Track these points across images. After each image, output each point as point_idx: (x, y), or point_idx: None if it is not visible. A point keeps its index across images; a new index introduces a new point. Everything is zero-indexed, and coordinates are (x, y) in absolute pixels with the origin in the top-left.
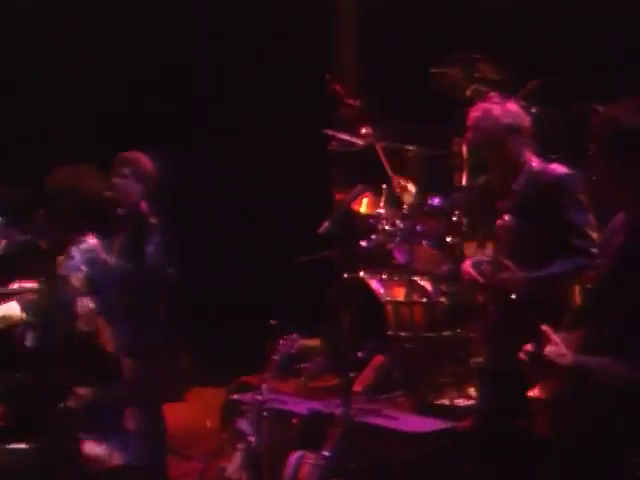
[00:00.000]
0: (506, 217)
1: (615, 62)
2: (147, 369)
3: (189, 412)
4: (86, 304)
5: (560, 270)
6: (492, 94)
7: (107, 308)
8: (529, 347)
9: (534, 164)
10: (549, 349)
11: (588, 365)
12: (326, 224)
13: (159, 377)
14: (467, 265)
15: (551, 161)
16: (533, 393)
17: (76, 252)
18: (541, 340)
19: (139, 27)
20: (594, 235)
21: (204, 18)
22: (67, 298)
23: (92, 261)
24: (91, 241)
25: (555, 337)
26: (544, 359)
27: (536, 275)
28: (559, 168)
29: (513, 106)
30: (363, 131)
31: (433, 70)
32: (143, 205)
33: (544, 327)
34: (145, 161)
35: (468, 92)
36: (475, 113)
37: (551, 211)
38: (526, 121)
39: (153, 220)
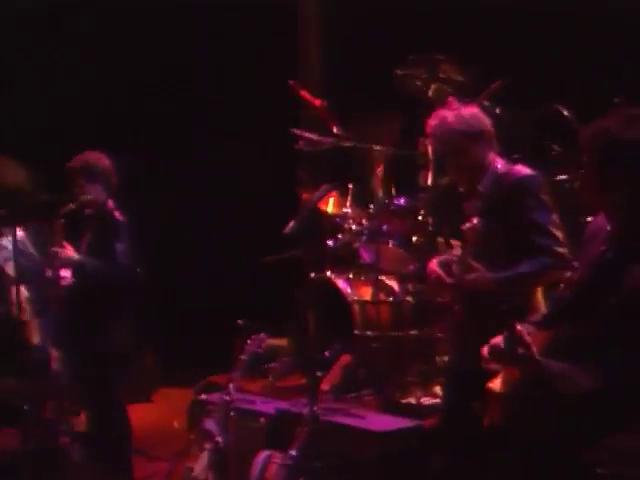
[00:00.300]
0: (474, 220)
1: (580, 63)
2: (114, 369)
3: (156, 412)
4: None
5: (528, 270)
6: (451, 99)
7: (36, 299)
8: (497, 342)
9: (499, 166)
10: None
11: (551, 368)
12: (292, 224)
13: (125, 377)
14: (433, 264)
15: (515, 162)
16: (493, 385)
17: (7, 243)
18: (514, 338)
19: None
20: (559, 234)
21: (171, 20)
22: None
23: (20, 252)
24: (19, 233)
25: (528, 338)
26: (521, 339)
27: (504, 275)
28: (523, 169)
29: (470, 111)
30: (330, 131)
31: (397, 71)
32: (109, 203)
33: (519, 327)
34: (95, 159)
35: (431, 93)
36: (432, 121)
37: (516, 212)
38: (487, 124)
39: (121, 218)
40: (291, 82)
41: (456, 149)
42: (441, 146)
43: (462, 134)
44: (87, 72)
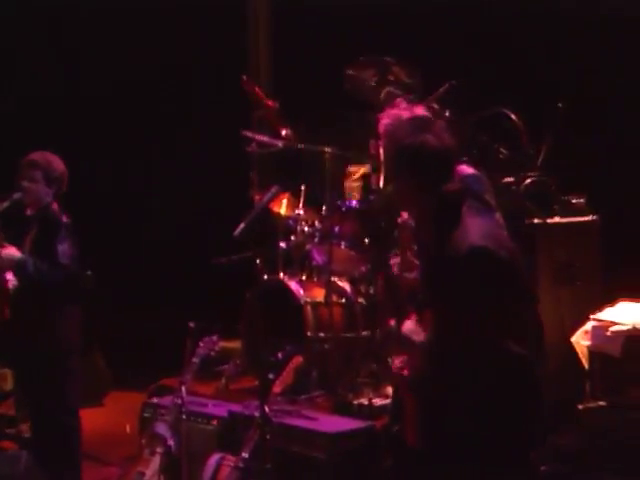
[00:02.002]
0: (404, 215)
1: (526, 65)
2: (61, 372)
3: (107, 416)
4: None
5: None
6: (400, 100)
7: None
8: (391, 322)
9: None
10: (407, 325)
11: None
12: (241, 225)
13: (74, 380)
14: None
15: (460, 163)
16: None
17: None
18: (404, 310)
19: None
20: (504, 234)
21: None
22: None
23: None
24: None
25: (414, 317)
26: (402, 334)
27: None
28: (466, 169)
29: (421, 111)
30: (282, 133)
31: (347, 72)
32: (55, 206)
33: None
34: (56, 162)
35: (382, 95)
36: (385, 120)
37: None
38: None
39: (65, 220)
40: (244, 77)
41: None
42: (392, 145)
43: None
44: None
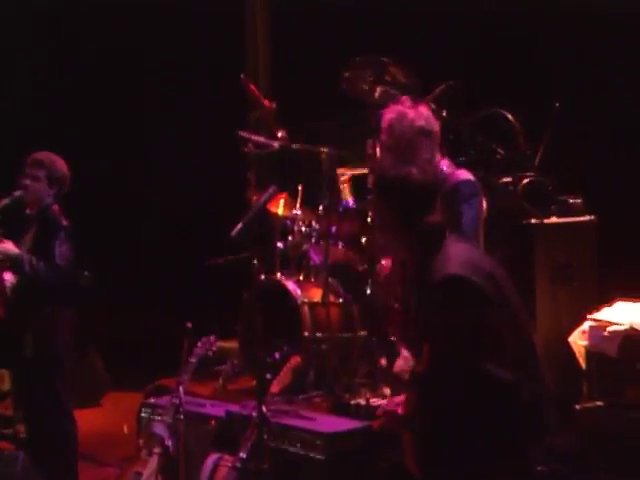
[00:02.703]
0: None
1: (523, 65)
2: (55, 373)
3: (105, 417)
4: None
5: None
6: (404, 98)
7: None
8: (383, 362)
9: (444, 168)
10: (399, 364)
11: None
12: (238, 226)
13: (69, 381)
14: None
15: (459, 165)
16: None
17: None
18: (393, 351)
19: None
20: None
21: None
22: None
23: None
24: None
25: (406, 353)
26: (393, 374)
27: None
28: (462, 174)
29: (425, 109)
30: (279, 133)
31: (344, 73)
32: (55, 207)
33: (397, 341)
34: (60, 163)
35: (377, 95)
36: (390, 115)
37: (450, 214)
38: (436, 125)
39: (65, 222)
40: (242, 76)
41: (409, 144)
42: (394, 140)
43: (419, 129)
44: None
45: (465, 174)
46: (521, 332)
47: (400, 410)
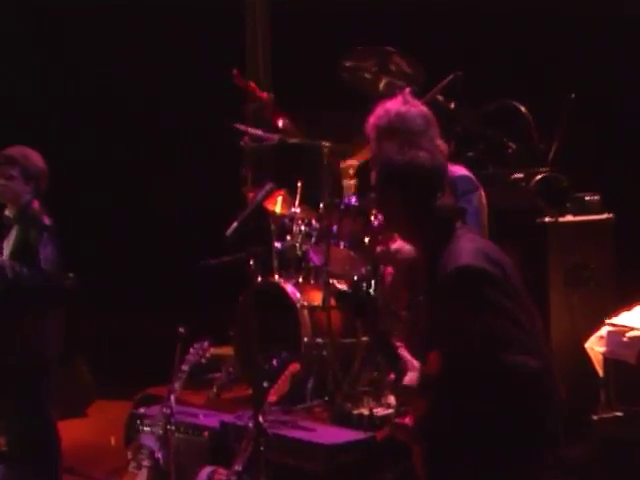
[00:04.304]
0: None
1: (536, 52)
2: (39, 382)
3: (91, 428)
4: None
5: None
6: (408, 90)
7: None
8: (391, 376)
9: None
10: (409, 376)
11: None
12: (233, 225)
13: (53, 390)
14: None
15: (458, 161)
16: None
17: None
18: (401, 366)
19: None
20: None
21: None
22: None
23: None
24: None
25: (414, 362)
26: (403, 386)
27: None
28: (458, 170)
29: (422, 105)
30: (279, 122)
31: (345, 63)
32: (35, 204)
33: (402, 353)
34: (34, 157)
35: (382, 86)
36: (386, 105)
37: None
38: (434, 119)
39: (46, 221)
40: (235, 71)
41: (412, 128)
42: (395, 126)
43: (420, 113)
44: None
45: (461, 170)
46: (534, 323)
47: (409, 420)
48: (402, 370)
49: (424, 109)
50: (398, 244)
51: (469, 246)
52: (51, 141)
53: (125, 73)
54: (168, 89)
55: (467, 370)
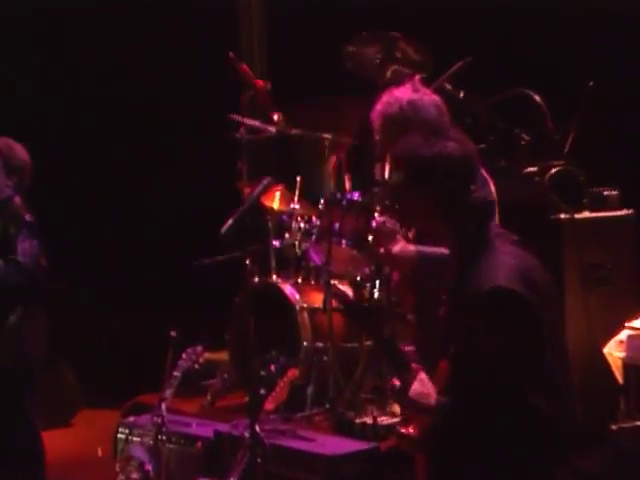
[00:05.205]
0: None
1: (551, 39)
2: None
3: (77, 438)
4: None
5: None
6: (417, 77)
7: None
8: (396, 383)
9: None
10: (415, 387)
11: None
12: (229, 222)
13: (36, 398)
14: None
15: None
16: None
17: None
18: (409, 376)
19: None
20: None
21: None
22: None
23: None
24: None
25: (423, 375)
26: (409, 399)
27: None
28: None
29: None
30: (274, 116)
31: (349, 49)
32: (17, 200)
33: (414, 364)
34: (18, 150)
35: (389, 74)
36: (380, 107)
37: None
38: (446, 109)
39: (28, 217)
40: (231, 55)
41: (435, 117)
42: (418, 116)
43: (435, 102)
44: None
45: None
46: (564, 355)
47: (414, 430)
48: (409, 379)
49: (436, 98)
50: (400, 246)
51: (510, 263)
52: (51, 141)
53: (125, 73)
54: (165, 83)
55: (478, 390)
